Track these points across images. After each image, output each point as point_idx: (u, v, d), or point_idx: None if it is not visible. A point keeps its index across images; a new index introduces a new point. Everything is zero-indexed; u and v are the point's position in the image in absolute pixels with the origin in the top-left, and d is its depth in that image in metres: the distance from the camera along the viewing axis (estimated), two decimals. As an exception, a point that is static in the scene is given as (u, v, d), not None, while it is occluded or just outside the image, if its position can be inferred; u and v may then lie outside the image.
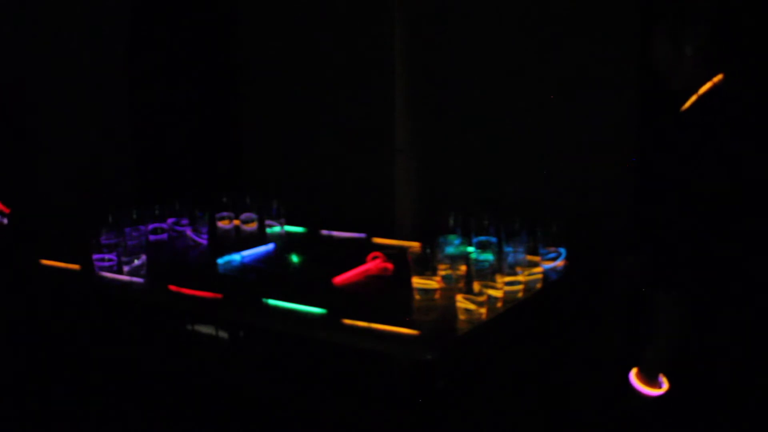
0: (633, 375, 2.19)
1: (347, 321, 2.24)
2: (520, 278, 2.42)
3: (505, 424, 2.51)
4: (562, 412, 2.83)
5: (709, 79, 2.12)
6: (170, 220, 3.30)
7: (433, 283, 2.41)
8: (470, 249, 2.67)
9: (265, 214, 3.28)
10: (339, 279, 2.64)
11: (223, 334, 2.54)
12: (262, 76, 4.46)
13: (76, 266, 2.87)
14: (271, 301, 2.43)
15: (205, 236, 3.19)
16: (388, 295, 2.55)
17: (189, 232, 3.24)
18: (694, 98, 2.14)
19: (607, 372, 2.93)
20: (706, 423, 2.14)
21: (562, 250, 2.66)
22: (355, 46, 4.04)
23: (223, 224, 3.43)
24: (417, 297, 2.41)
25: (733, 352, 2.11)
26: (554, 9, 3.43)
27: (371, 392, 2.23)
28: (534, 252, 2.63)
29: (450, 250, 2.51)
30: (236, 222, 3.43)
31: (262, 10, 4.40)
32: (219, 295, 2.52)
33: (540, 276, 2.52)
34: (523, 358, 2.57)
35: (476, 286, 2.30)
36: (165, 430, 2.78)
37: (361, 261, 2.75)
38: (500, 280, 2.36)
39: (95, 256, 2.82)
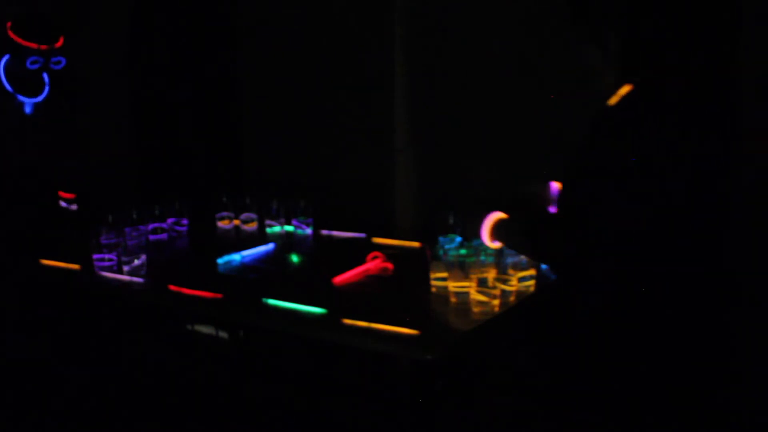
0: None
1: (347, 321, 2.24)
2: (512, 281, 2.40)
3: (504, 425, 2.51)
4: (561, 412, 2.83)
5: (618, 87, 2.01)
6: (170, 220, 3.30)
7: (471, 285, 2.35)
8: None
9: (265, 214, 3.28)
10: (339, 279, 2.64)
11: (223, 334, 2.54)
12: (263, 76, 4.46)
13: (76, 266, 2.87)
14: (271, 301, 2.42)
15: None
16: (388, 295, 2.55)
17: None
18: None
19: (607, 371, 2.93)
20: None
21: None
22: (355, 46, 4.04)
23: (223, 224, 3.43)
24: (453, 300, 2.39)
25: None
26: (555, 8, 3.43)
27: (371, 392, 2.23)
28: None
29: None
30: (236, 222, 3.43)
31: (262, 11, 4.40)
32: (219, 295, 2.52)
33: (532, 282, 2.49)
34: (523, 358, 2.57)
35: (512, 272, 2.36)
36: (165, 430, 2.78)
37: (361, 261, 2.76)
38: (515, 275, 2.38)
39: (95, 256, 2.82)
